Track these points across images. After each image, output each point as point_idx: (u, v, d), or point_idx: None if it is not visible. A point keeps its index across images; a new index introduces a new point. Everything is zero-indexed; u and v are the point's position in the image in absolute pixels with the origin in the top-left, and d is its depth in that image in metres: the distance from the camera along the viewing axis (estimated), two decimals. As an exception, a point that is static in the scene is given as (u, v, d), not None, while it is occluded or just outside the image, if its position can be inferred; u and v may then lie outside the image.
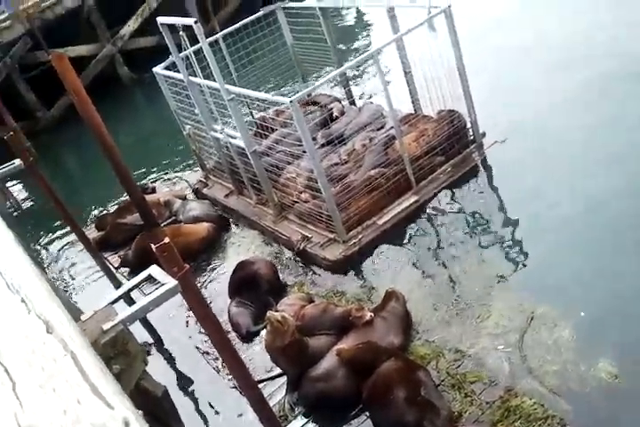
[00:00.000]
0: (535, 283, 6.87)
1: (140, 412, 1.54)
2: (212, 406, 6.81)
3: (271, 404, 5.48)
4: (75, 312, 6.70)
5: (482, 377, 5.76)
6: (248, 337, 7.39)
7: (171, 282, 3.81)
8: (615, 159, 8.09)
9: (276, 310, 6.70)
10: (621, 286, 6.44)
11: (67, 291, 9.62)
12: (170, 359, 7.65)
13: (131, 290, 5.09)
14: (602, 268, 6.76)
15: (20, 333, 1.76)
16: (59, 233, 11.82)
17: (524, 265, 7.22)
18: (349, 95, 11.00)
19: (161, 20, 8.73)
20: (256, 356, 7.01)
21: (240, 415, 6.36)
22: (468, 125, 8.91)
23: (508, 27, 12.59)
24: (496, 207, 8.29)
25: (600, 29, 11.06)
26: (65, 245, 11.33)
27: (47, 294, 2.05)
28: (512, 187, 8.47)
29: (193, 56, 8.49)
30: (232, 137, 8.87)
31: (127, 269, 9.49)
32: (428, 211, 8.45)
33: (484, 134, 8.97)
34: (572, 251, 7.11)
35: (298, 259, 8.40)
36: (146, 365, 3.84)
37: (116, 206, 11.48)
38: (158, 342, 7.91)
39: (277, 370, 6.63)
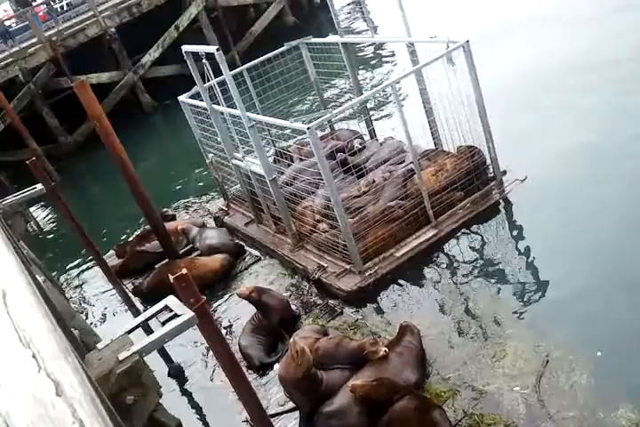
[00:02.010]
0: (551, 322, 6.77)
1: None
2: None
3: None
4: (92, 337, 6.67)
5: (499, 420, 5.64)
6: (260, 369, 7.33)
7: (187, 313, 3.80)
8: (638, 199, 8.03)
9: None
10: (638, 326, 6.34)
11: (85, 316, 9.64)
12: (184, 390, 7.60)
13: (147, 320, 5.07)
14: (618, 307, 6.66)
15: (29, 392, 1.68)
16: (79, 257, 11.88)
17: (540, 304, 7.13)
18: (371, 131, 11.08)
19: (185, 48, 8.91)
20: (269, 389, 6.94)
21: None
22: (488, 162, 8.90)
23: (533, 61, 12.67)
24: (514, 246, 8.22)
25: (632, 61, 11.10)
26: (85, 269, 11.39)
27: (59, 350, 1.94)
28: (531, 226, 8.41)
29: (216, 86, 8.59)
30: (252, 164, 8.92)
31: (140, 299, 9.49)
32: (445, 245, 8.41)
33: (504, 172, 8.95)
34: (588, 291, 7.02)
35: (313, 289, 8.36)
36: (160, 397, 3.80)
37: (136, 232, 11.56)
38: (173, 372, 7.87)
39: (291, 404, 6.55)
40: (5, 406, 1.67)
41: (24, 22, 20.17)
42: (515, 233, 8.48)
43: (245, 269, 9.48)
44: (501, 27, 15.01)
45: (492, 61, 11.66)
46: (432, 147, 9.58)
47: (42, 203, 15.34)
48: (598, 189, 8.44)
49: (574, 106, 10.48)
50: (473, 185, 8.80)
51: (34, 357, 1.87)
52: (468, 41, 8.04)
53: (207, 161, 10.45)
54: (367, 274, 8.03)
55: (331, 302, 8.09)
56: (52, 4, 22.04)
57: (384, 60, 17.51)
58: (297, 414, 6.44)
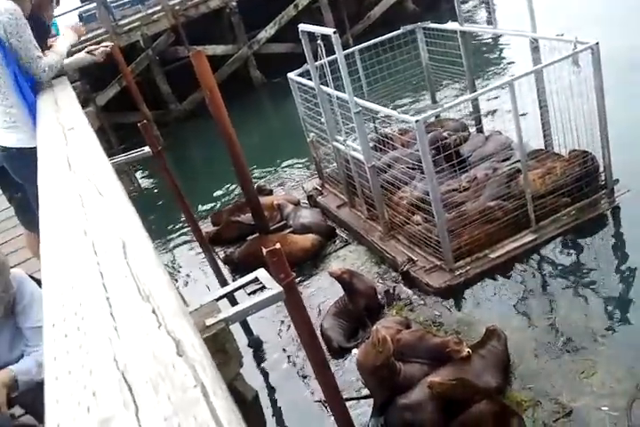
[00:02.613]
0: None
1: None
2: (294, 419, 6.78)
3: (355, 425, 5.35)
4: (179, 302, 6.88)
5: (583, 437, 5.41)
6: (338, 352, 7.32)
7: (276, 288, 3.80)
8: None
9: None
10: None
11: (175, 280, 9.92)
12: (263, 364, 7.70)
13: (236, 290, 5.14)
14: None
15: (149, 349, 1.60)
16: (175, 222, 12.23)
17: (637, 324, 6.72)
18: (478, 122, 10.76)
19: (302, 27, 8.89)
20: (345, 373, 6.93)
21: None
22: (601, 169, 8.46)
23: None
24: (616, 260, 7.77)
25: None
26: (179, 234, 11.72)
27: (179, 309, 1.87)
28: (639, 242, 7.93)
29: (327, 66, 8.55)
30: (353, 149, 8.87)
31: (229, 268, 9.66)
32: (543, 252, 8.08)
33: (616, 181, 8.48)
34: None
35: (401, 280, 8.25)
36: (241, 366, 3.82)
37: (232, 203, 11.78)
38: (254, 345, 7.98)
39: (366, 391, 6.51)
40: (124, 361, 1.61)
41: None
42: (619, 247, 8.03)
43: (334, 251, 9.47)
44: (634, 27, 14.16)
45: (618, 63, 11.00)
46: (542, 147, 9.22)
47: (144, 166, 15.85)
48: None
49: None
50: (581, 192, 8.40)
51: (153, 312, 1.81)
52: (597, 43, 7.60)
53: (308, 140, 10.48)
54: (458, 273, 7.83)
55: (417, 295, 7.95)
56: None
57: (503, 53, 16.93)
58: (371, 401, 6.40)
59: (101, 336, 1.77)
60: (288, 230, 9.99)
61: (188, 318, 1.82)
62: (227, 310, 3.58)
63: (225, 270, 9.39)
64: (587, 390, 5.91)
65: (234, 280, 8.50)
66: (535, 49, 8.69)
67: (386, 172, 9.08)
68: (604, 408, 5.64)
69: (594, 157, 8.37)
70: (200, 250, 9.24)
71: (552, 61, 7.92)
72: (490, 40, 17.92)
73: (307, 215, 10.01)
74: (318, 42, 8.35)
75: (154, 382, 1.49)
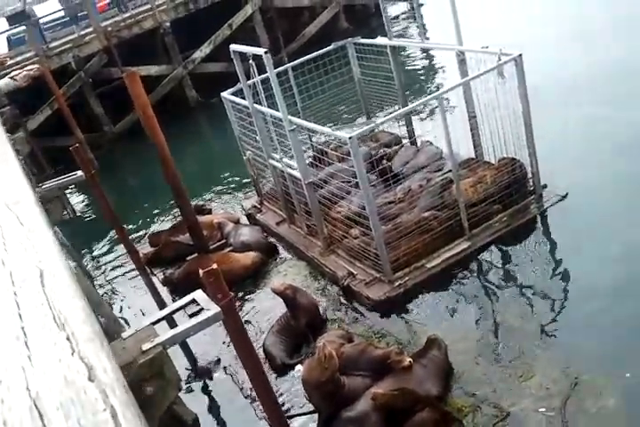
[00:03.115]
0: (582, 344, 6.58)
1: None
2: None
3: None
4: (117, 328, 6.72)
5: (521, 440, 5.53)
6: (282, 369, 7.30)
7: (214, 308, 3.79)
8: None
9: (315, 346, 6.61)
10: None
11: (111, 304, 9.72)
12: (204, 386, 7.60)
13: (174, 312, 5.09)
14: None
15: (61, 376, 1.65)
16: (111, 245, 12.02)
17: (572, 325, 6.94)
18: (411, 135, 10.99)
19: (233, 47, 8.94)
20: (289, 390, 6.91)
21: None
22: (529, 176, 8.74)
23: (584, 75, 12.44)
24: (548, 262, 8.04)
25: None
26: (115, 257, 11.51)
27: (94, 334, 1.91)
28: (567, 244, 8.21)
29: (260, 84, 8.60)
30: (289, 167, 8.92)
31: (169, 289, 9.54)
32: (478, 259, 8.27)
33: (544, 186, 8.79)
34: (621, 314, 6.80)
35: (341, 295, 8.30)
36: (180, 390, 3.79)
37: (170, 224, 11.68)
38: (194, 367, 7.88)
39: (310, 407, 6.51)
40: (36, 388, 1.64)
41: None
42: (550, 250, 8.29)
43: (275, 267, 9.47)
44: (554, 38, 14.78)
45: (542, 73, 11.43)
46: (472, 156, 9.47)
47: (78, 190, 15.55)
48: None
49: (624, 123, 10.22)
50: (512, 198, 8.65)
51: (68, 339, 1.84)
52: (520, 55, 7.92)
53: (244, 158, 10.49)
54: (397, 284, 7.93)
55: (358, 308, 8.01)
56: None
57: (432, 66, 17.37)
58: (315, 417, 6.39)
59: (15, 366, 1.78)
60: (228, 249, 9.94)
61: (104, 343, 1.84)
62: (164, 334, 3.56)
63: (164, 292, 9.27)
64: (525, 393, 6.05)
65: (174, 301, 8.38)
66: (462, 61, 8.94)
67: (323, 188, 9.16)
68: (541, 410, 5.79)
69: (522, 164, 8.65)
70: (138, 273, 9.10)
71: (478, 74, 8.17)
72: (421, 54, 18.35)
73: (247, 233, 9.99)
74: (250, 61, 8.40)
75: (65, 408, 1.52)
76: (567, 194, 8.74)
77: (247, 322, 8.35)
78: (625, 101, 10.91)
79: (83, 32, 19.21)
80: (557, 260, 8.06)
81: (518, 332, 6.95)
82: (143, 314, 8.90)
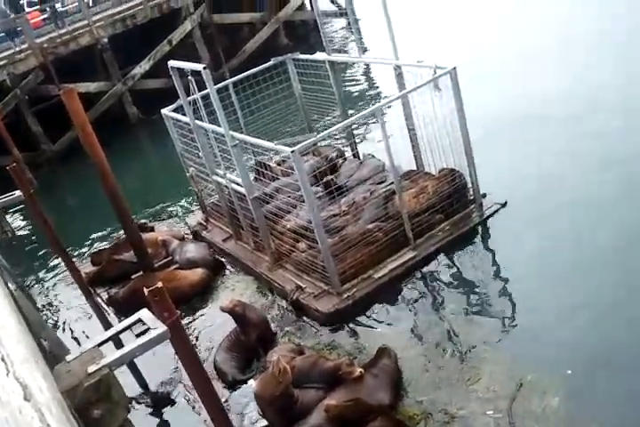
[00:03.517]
0: (525, 346, 6.80)
1: None
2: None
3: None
4: (61, 350, 6.56)
5: (470, 443, 5.64)
6: (233, 385, 7.26)
7: (161, 327, 3.76)
8: (620, 222, 8.13)
9: (266, 361, 6.61)
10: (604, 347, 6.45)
11: (55, 326, 9.49)
12: (154, 407, 7.49)
13: (119, 333, 5.00)
14: (588, 331, 6.76)
15: None
16: (52, 266, 11.75)
17: (515, 328, 7.16)
18: (353, 148, 11.13)
19: (172, 63, 8.91)
20: (241, 406, 6.86)
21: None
22: (469, 185, 8.97)
23: (520, 88, 12.85)
24: (491, 269, 8.26)
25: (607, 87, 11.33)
26: (58, 279, 11.26)
27: (30, 355, 1.89)
28: (509, 250, 8.45)
29: (200, 100, 8.60)
30: (234, 182, 8.91)
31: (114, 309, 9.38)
32: (424, 268, 8.42)
33: (484, 195, 9.04)
34: (561, 315, 7.05)
35: (291, 308, 8.32)
36: (128, 412, 3.73)
37: (113, 242, 11.49)
38: (143, 387, 7.75)
39: (264, 422, 6.48)
40: None
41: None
42: (493, 257, 8.52)
43: (222, 283, 9.42)
44: (491, 54, 15.26)
45: (478, 86, 11.79)
46: (413, 168, 9.65)
47: (18, 210, 15.16)
48: (577, 216, 8.52)
49: (558, 134, 10.62)
50: (453, 208, 8.86)
51: (3, 360, 1.82)
52: (455, 68, 8.15)
53: (187, 175, 10.42)
54: (345, 296, 7.99)
55: (308, 322, 8.04)
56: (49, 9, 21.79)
57: (371, 80, 17.68)
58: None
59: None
60: (174, 266, 9.84)
61: (40, 362, 1.83)
62: (110, 355, 3.50)
63: (110, 312, 9.11)
64: (473, 397, 6.19)
65: (119, 321, 8.24)
66: (399, 75, 9.14)
67: (268, 202, 9.18)
68: (488, 412, 5.93)
69: (461, 174, 8.87)
70: (81, 294, 8.91)
71: (415, 87, 8.36)
72: (360, 68, 18.64)
73: (192, 250, 9.90)
74: (189, 77, 8.38)
75: (1, 427, 1.51)
76: (506, 202, 9.01)
77: (196, 339, 8.28)
78: (561, 109, 11.32)
79: (18, 48, 18.83)
80: (499, 266, 8.29)
81: (465, 338, 7.10)
82: (87, 336, 8.71)
